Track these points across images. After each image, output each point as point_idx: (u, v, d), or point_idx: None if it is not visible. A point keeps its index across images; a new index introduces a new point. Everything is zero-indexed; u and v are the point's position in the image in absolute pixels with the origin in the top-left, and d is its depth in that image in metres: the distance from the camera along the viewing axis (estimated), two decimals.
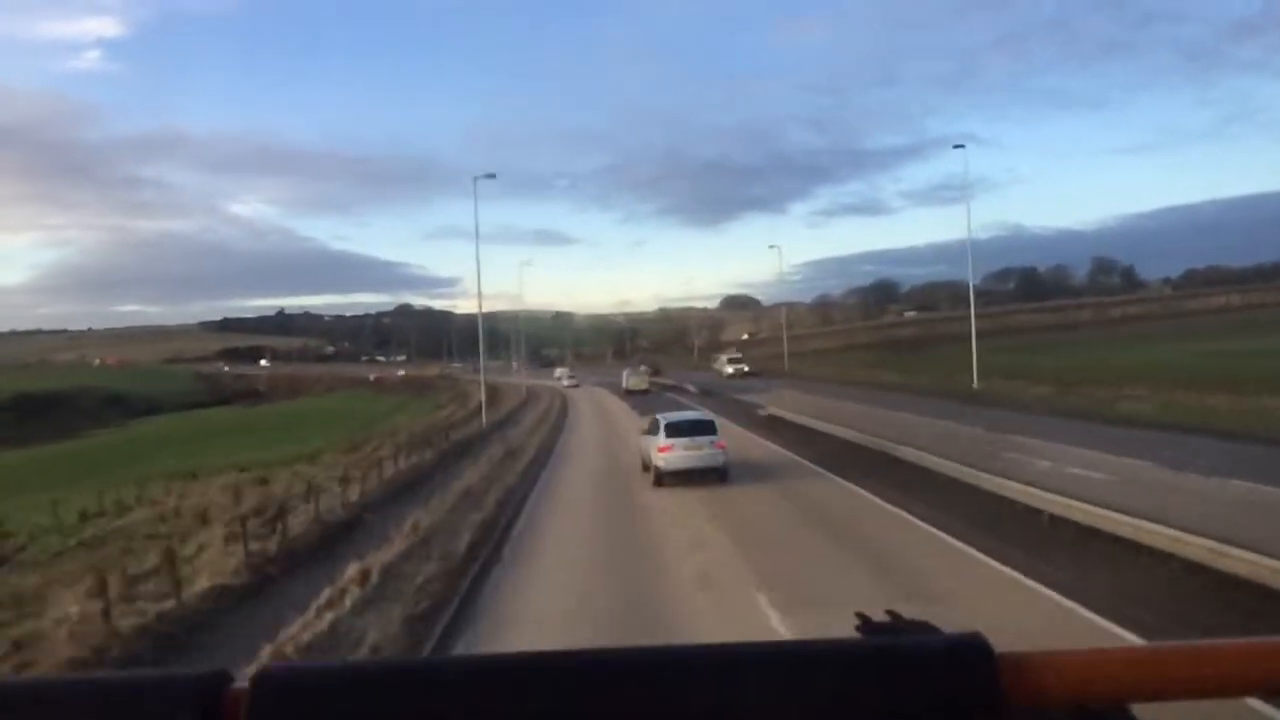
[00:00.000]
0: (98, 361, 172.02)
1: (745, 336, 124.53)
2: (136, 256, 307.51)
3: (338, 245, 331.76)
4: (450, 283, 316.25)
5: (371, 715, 0.57)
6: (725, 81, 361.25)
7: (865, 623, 1.56)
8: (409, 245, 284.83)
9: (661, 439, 19.58)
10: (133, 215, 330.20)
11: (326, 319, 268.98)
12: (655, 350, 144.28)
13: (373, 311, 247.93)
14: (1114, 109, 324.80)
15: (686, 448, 19.41)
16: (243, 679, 0.60)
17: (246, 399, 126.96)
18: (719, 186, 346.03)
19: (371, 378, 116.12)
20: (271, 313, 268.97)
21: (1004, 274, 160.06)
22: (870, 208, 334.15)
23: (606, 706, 0.57)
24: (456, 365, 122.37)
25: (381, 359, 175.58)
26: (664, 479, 19.45)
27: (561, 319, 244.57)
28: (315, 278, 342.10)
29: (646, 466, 20.82)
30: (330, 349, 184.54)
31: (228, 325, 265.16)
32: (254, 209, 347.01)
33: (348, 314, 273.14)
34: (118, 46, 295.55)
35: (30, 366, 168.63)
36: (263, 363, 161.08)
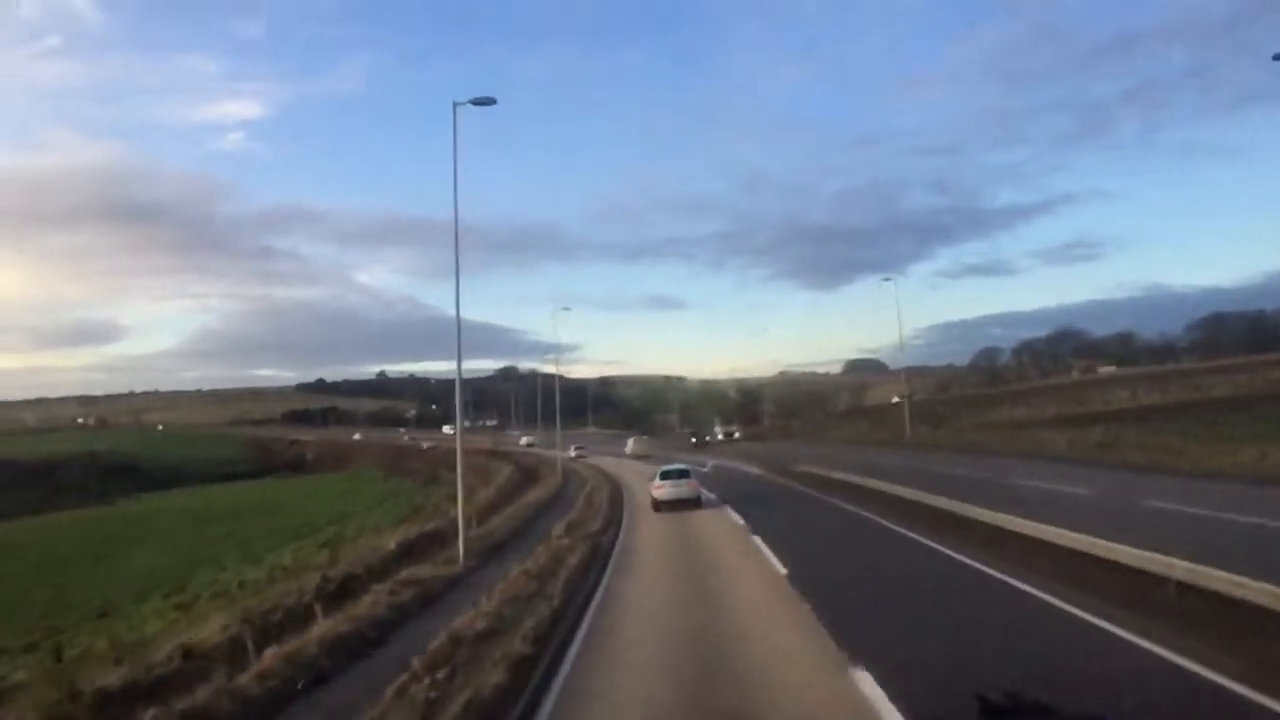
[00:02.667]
0: (143, 426, 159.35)
1: (896, 400, 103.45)
2: (271, 323, 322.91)
3: (461, 313, 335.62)
4: (568, 349, 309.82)
5: None
6: (842, 146, 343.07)
7: (985, 704, 1.57)
8: (526, 312, 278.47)
9: (657, 480, 31.46)
10: (268, 284, 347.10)
11: (433, 382, 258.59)
12: (786, 414, 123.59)
13: (484, 375, 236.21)
14: (1257, 157, 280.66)
15: (673, 485, 30.69)
16: None
17: (288, 469, 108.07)
18: (836, 250, 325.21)
19: (424, 446, 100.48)
20: (373, 376, 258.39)
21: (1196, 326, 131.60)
22: (994, 268, 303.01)
23: None
24: (514, 434, 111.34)
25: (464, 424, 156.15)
26: (659, 506, 30.15)
27: (672, 383, 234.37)
28: (435, 343, 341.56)
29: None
30: (412, 412, 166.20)
31: (322, 387, 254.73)
32: (379, 278, 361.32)
33: (451, 377, 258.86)
34: (257, 127, 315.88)
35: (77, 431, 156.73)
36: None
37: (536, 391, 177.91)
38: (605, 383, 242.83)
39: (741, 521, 24.66)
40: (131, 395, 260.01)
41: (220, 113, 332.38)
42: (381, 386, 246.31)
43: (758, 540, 20.30)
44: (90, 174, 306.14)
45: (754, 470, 47.56)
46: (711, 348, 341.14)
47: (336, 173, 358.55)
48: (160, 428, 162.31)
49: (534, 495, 41.18)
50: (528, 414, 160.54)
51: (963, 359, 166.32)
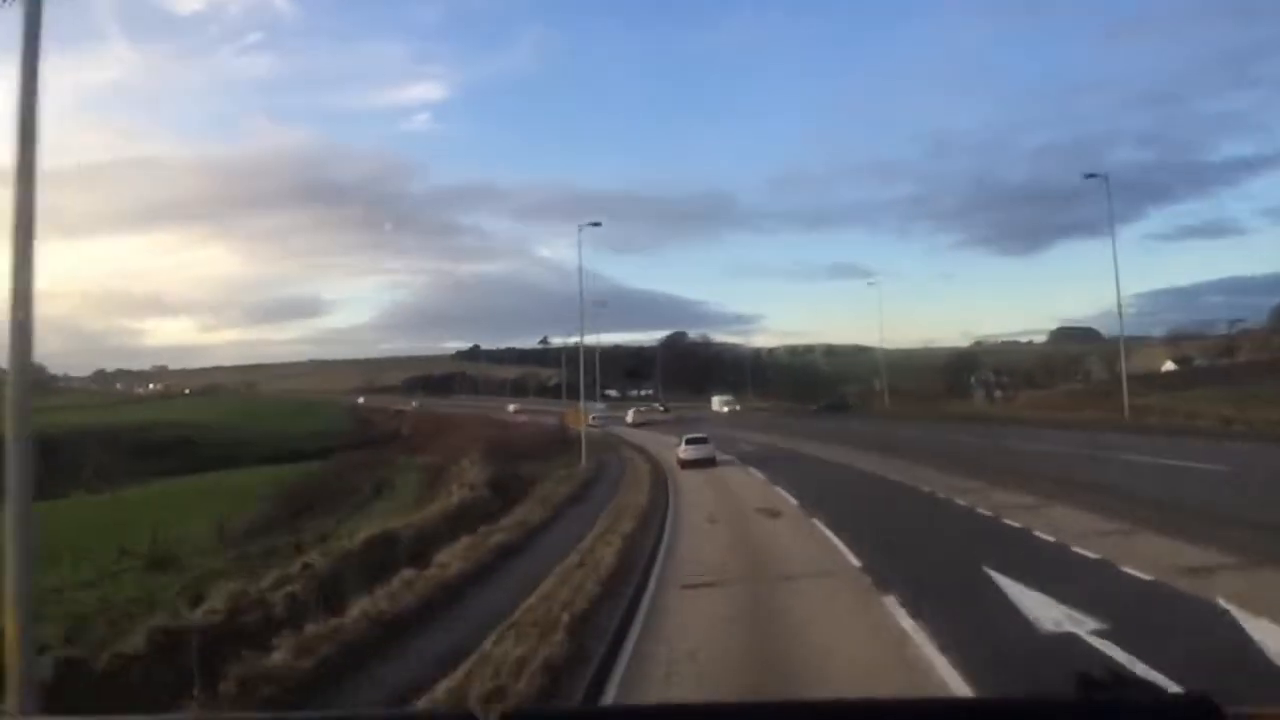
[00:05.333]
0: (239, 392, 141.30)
1: (1170, 366, 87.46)
2: (456, 296, 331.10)
3: (636, 283, 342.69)
4: (747, 319, 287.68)
5: None
6: (1038, 100, 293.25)
7: (1085, 680, 1.46)
8: (705, 282, 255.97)
9: (682, 445, 38.73)
10: (454, 259, 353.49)
11: (601, 350, 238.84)
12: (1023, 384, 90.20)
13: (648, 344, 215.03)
14: None
15: (695, 449, 37.64)
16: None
17: (384, 443, 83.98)
18: (1032, 213, 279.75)
19: (512, 409, 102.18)
20: (533, 345, 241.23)
21: None
22: (1214, 229, 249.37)
23: None
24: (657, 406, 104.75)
25: (611, 394, 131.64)
26: (684, 465, 36.50)
27: (861, 352, 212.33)
28: (612, 315, 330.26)
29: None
30: (555, 380, 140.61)
31: (477, 354, 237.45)
32: (559, 251, 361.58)
33: (623, 345, 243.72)
34: (441, 107, 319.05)
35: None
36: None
37: (717, 363, 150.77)
38: (790, 352, 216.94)
39: None
40: (330, 364, 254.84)
41: (406, 96, 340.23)
42: (539, 355, 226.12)
43: None
44: (289, 159, 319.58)
45: None
46: (899, 317, 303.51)
47: (516, 149, 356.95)
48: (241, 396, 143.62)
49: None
50: (692, 383, 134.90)
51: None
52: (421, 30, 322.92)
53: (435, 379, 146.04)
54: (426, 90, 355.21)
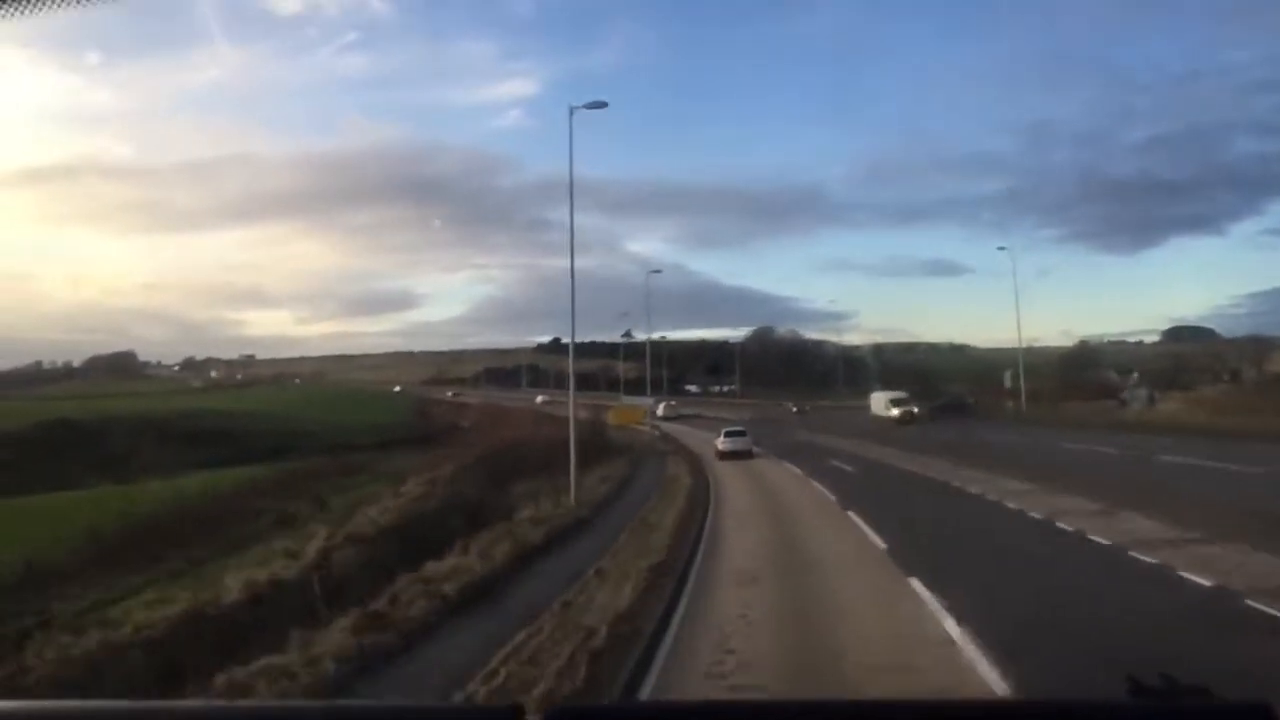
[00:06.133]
0: (298, 381, 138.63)
1: None
2: (543, 290, 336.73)
3: (723, 279, 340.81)
4: (837, 315, 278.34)
5: None
6: (1149, 87, 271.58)
7: (1136, 686, 1.37)
8: (794, 278, 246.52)
9: (721, 437, 40.91)
10: (543, 254, 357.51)
11: (690, 344, 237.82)
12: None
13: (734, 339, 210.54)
14: None
15: (732, 441, 39.94)
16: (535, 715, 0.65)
17: (442, 437, 79.77)
18: (1139, 207, 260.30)
19: (540, 400, 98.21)
20: (618, 338, 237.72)
21: None
22: None
23: None
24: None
25: (691, 389, 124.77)
26: (722, 456, 38.49)
27: (957, 351, 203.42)
28: (697, 310, 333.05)
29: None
30: (632, 375, 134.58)
31: (556, 347, 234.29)
32: (648, 246, 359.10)
33: (694, 339, 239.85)
34: (531, 103, 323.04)
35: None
36: (539, 398, 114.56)
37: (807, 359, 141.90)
38: (878, 350, 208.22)
39: None
40: (414, 356, 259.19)
41: (498, 92, 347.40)
42: (625, 349, 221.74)
43: None
44: (383, 155, 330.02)
45: None
46: (995, 315, 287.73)
47: (604, 143, 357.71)
48: (297, 381, 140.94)
49: None
50: (778, 379, 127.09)
51: None
52: (513, 26, 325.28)
53: (504, 371, 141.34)
54: (517, 86, 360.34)
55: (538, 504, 23.18)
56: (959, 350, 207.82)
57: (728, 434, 40.99)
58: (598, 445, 42.54)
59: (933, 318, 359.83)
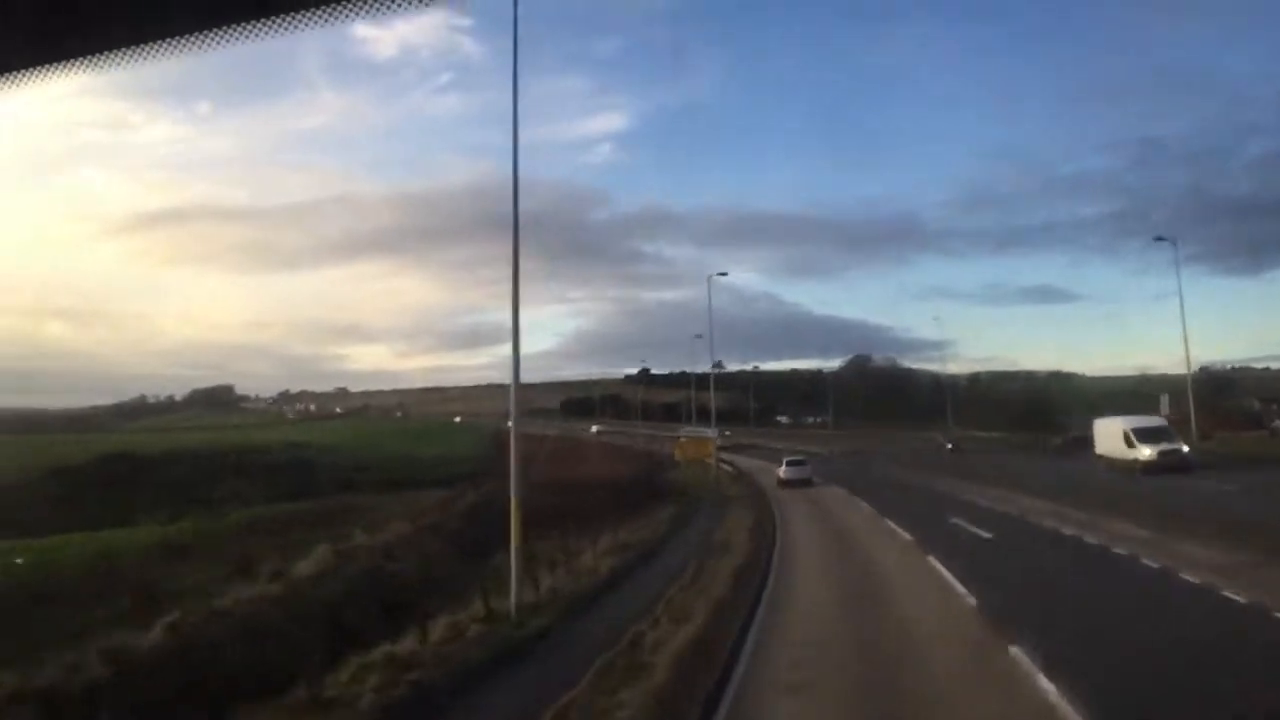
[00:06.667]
0: (399, 414, 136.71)
1: None
2: (635, 322, 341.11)
3: (820, 309, 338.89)
4: (936, 344, 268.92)
5: None
6: (1266, 100, 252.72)
7: None
8: (890, 307, 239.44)
9: (783, 466, 46.08)
10: (635, 286, 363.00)
11: (782, 374, 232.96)
12: None
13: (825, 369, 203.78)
14: None
15: (793, 470, 44.90)
16: None
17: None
18: (1260, 226, 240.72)
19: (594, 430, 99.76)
20: (707, 370, 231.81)
21: None
22: None
23: None
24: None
25: (782, 420, 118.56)
26: (783, 485, 43.19)
27: (1061, 380, 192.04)
28: (791, 340, 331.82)
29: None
30: (718, 406, 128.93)
31: (645, 378, 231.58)
32: (740, 276, 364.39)
33: (786, 370, 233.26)
34: (621, 137, 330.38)
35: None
36: (594, 428, 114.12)
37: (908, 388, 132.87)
38: (977, 379, 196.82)
39: None
40: (503, 389, 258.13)
41: (588, 127, 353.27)
42: (715, 379, 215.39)
43: None
44: (477, 193, 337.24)
45: None
46: (1106, 342, 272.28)
47: (695, 175, 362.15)
48: (399, 415, 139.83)
49: None
50: (875, 411, 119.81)
51: None
52: (602, 62, 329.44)
53: (585, 402, 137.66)
54: (607, 121, 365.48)
55: (466, 604, 15.13)
56: (1063, 379, 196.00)
57: (789, 463, 46.00)
58: (647, 487, 38.44)
59: (1035, 346, 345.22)
